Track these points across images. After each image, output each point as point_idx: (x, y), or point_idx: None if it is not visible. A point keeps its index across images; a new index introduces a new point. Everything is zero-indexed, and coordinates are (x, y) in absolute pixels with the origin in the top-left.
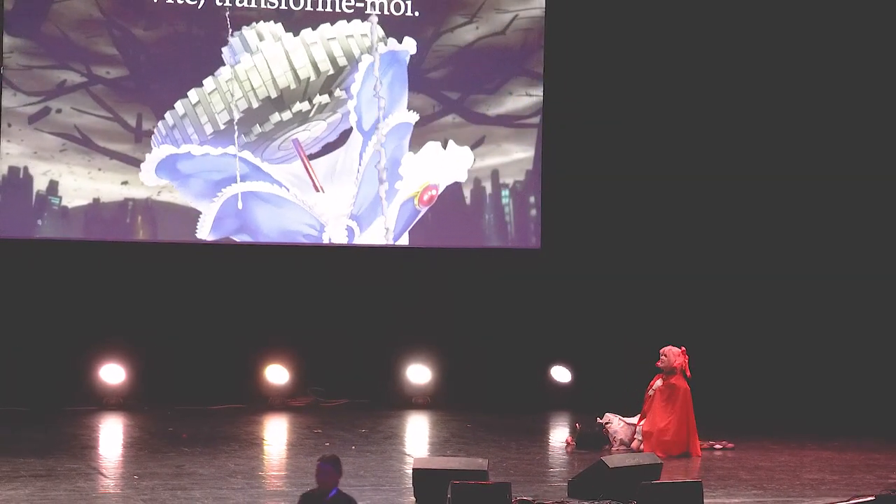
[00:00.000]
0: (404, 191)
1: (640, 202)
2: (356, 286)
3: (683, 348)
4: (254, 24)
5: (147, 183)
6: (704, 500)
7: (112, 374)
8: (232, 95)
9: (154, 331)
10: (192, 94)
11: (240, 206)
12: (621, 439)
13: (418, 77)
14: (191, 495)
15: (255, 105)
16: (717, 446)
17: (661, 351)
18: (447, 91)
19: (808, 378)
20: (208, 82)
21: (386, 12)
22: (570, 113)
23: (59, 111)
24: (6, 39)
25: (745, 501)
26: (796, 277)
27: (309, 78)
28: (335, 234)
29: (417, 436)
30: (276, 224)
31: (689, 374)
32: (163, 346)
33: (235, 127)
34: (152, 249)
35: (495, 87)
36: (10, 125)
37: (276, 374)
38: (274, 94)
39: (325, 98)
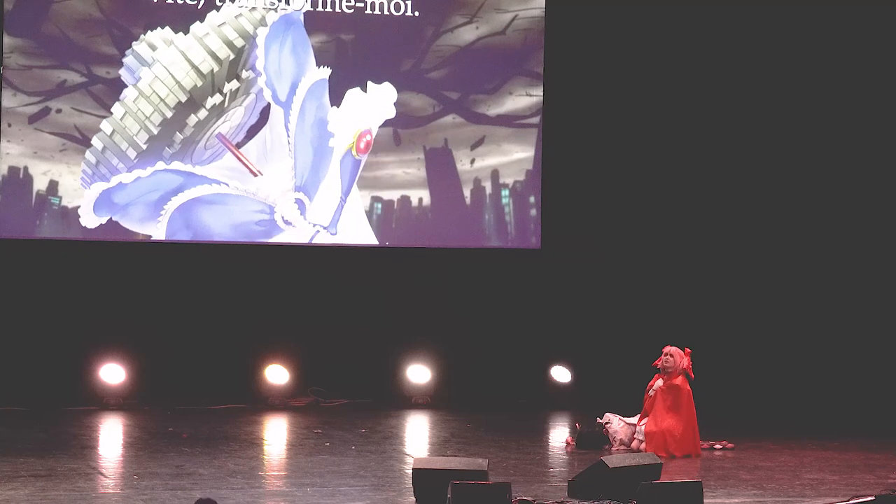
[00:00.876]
0: (339, 146)
1: (640, 202)
2: (356, 286)
3: (688, 350)
4: (142, 36)
5: (90, 226)
6: (704, 500)
7: (112, 374)
8: (143, 113)
9: (154, 331)
10: (105, 126)
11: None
12: (621, 439)
13: (418, 77)
14: (191, 495)
15: (169, 114)
16: (717, 446)
17: (669, 351)
18: (447, 91)
19: (808, 378)
20: (116, 109)
21: (386, 12)
22: (570, 113)
23: (59, 111)
24: (6, 39)
25: (745, 501)
26: (796, 278)
27: (213, 70)
28: (286, 211)
29: (417, 436)
30: (226, 221)
31: (692, 375)
32: (163, 346)
33: (157, 141)
34: (152, 249)
35: (495, 87)
36: (10, 125)
37: (276, 374)
38: (184, 98)
39: (234, 84)
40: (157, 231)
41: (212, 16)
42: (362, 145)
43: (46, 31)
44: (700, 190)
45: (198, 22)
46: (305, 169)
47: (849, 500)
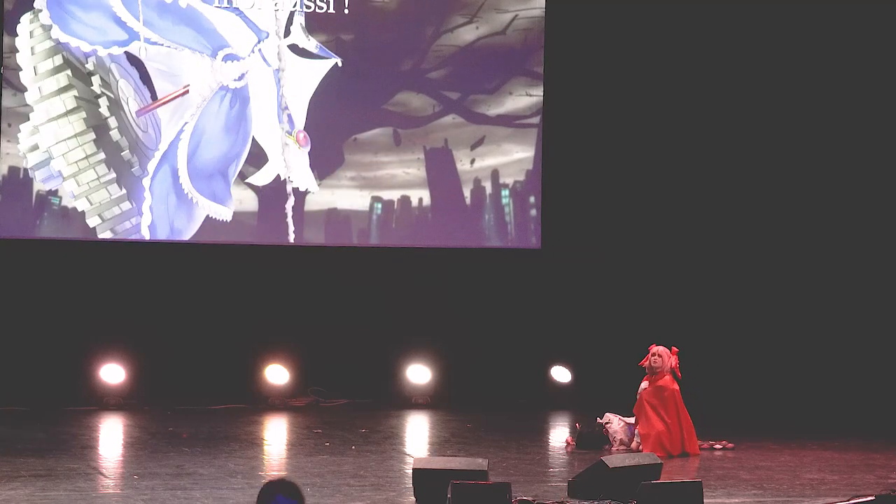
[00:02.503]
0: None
1: (640, 202)
2: (356, 286)
3: (675, 349)
4: None
5: None
6: (704, 500)
7: (112, 374)
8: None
9: (154, 331)
10: None
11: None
12: (621, 439)
13: (418, 77)
14: (191, 495)
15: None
16: (717, 446)
17: (657, 351)
18: (447, 91)
19: (808, 378)
20: None
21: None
22: (570, 113)
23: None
24: (6, 39)
25: (745, 501)
26: (796, 278)
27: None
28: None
29: (417, 436)
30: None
31: (679, 374)
32: (163, 346)
33: None
34: (152, 249)
35: (495, 87)
36: (10, 125)
37: (276, 374)
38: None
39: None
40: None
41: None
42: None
43: None
44: (700, 190)
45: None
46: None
47: (849, 500)
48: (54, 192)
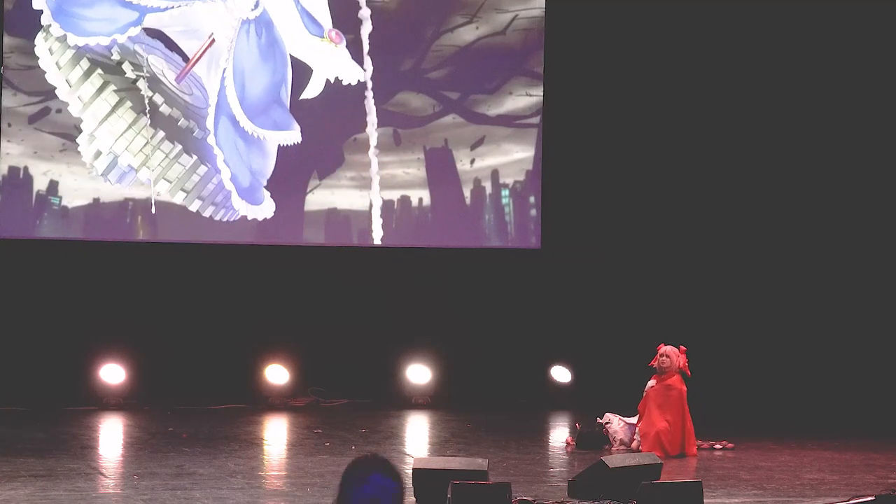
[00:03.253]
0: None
1: (640, 202)
2: (356, 286)
3: (683, 348)
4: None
5: None
6: (704, 500)
7: (112, 374)
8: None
9: (154, 331)
10: None
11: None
12: (621, 439)
13: (418, 77)
14: (191, 495)
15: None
16: (717, 446)
17: (665, 351)
18: (447, 91)
19: (808, 378)
20: None
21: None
22: (570, 113)
23: (59, 111)
24: (6, 39)
25: (745, 501)
26: (796, 278)
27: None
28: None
29: (417, 436)
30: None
31: (689, 373)
32: (163, 346)
33: None
34: (152, 249)
35: (495, 87)
36: (10, 125)
37: (276, 374)
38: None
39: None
40: None
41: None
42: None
43: None
44: (700, 189)
45: None
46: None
47: (849, 500)
48: (54, 192)
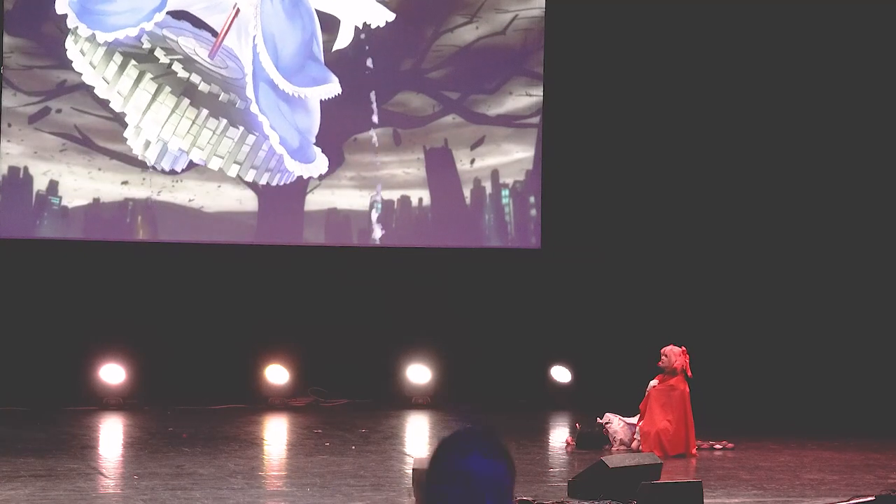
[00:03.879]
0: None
1: (640, 202)
2: (356, 286)
3: (684, 348)
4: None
5: None
6: (704, 500)
7: (112, 374)
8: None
9: (154, 331)
10: None
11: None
12: (621, 439)
13: (418, 77)
14: (191, 495)
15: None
16: (717, 446)
17: (662, 351)
18: (447, 91)
19: (808, 378)
20: None
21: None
22: (570, 113)
23: (59, 111)
24: (6, 39)
25: (745, 501)
26: (796, 278)
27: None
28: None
29: (417, 436)
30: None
31: (689, 374)
32: (163, 346)
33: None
34: (152, 249)
35: (495, 87)
36: (10, 125)
37: (276, 374)
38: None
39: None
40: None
41: None
42: None
43: (46, 31)
44: (700, 190)
45: None
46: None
47: (849, 500)
48: (54, 192)
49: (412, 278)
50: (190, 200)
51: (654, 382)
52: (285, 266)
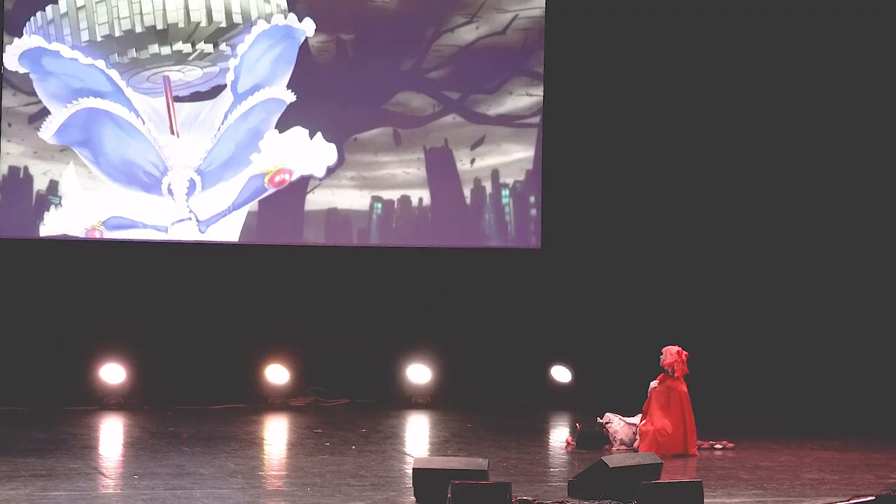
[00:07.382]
0: (258, 165)
1: (640, 202)
2: (356, 286)
3: (679, 348)
4: None
5: (8, 66)
6: (704, 500)
7: (112, 374)
8: (118, 12)
9: (154, 331)
10: None
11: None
12: (621, 439)
13: (418, 77)
14: (191, 495)
15: (139, 30)
16: (718, 446)
17: (663, 350)
18: (447, 91)
19: (808, 378)
20: None
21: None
22: (570, 113)
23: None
24: (6, 39)
25: (745, 501)
26: (796, 277)
27: (199, 22)
28: (175, 182)
29: (417, 436)
30: (120, 151)
31: (680, 372)
32: (163, 346)
33: (113, 44)
34: (152, 249)
35: (495, 87)
36: (10, 125)
37: (276, 374)
38: (160, 26)
39: (208, 47)
40: (59, 115)
41: None
42: (277, 179)
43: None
44: (700, 190)
45: None
46: (217, 161)
47: (849, 500)
48: (54, 192)
49: (412, 278)
50: None
51: (654, 383)
52: (285, 266)
